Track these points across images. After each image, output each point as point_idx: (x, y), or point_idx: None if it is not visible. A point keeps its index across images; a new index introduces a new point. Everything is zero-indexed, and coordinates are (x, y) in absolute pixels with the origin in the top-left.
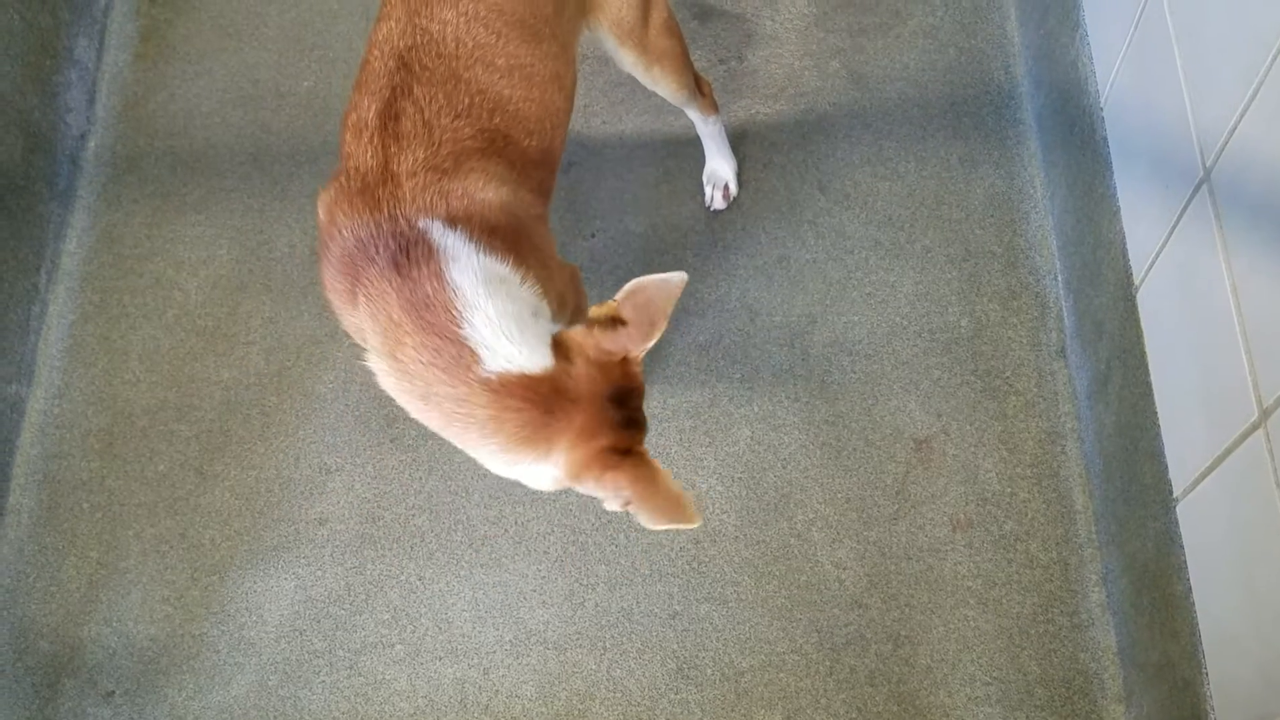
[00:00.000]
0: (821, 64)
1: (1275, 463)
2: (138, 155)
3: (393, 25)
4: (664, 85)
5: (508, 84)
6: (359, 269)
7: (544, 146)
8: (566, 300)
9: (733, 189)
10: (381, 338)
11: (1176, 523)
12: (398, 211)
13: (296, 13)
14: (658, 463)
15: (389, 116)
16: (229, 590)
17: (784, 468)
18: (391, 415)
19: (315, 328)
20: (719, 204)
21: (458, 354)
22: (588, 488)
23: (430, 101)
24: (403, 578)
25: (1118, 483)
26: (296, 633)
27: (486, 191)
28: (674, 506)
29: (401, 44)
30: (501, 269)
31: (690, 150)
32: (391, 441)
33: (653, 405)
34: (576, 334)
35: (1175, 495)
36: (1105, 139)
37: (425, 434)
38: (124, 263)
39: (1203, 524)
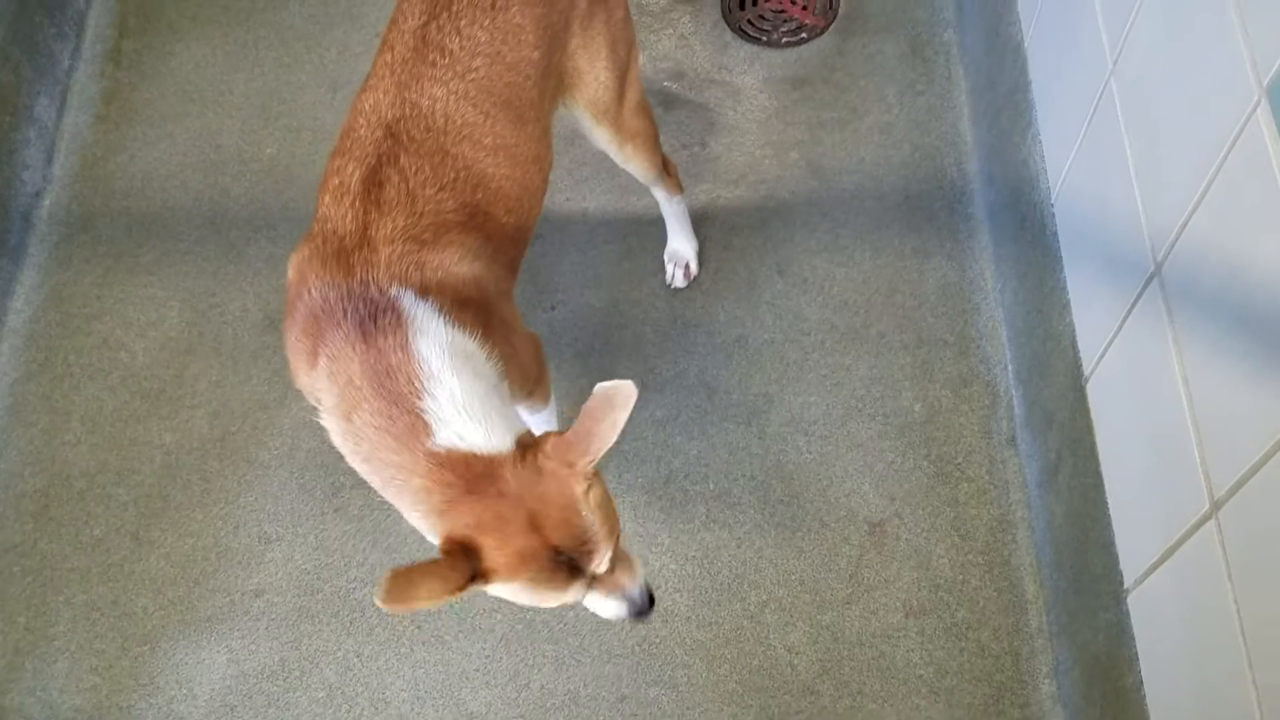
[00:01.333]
0: (781, 154)
1: (1227, 554)
2: (92, 215)
3: (380, 96)
4: (635, 163)
5: (493, 162)
6: (324, 330)
7: (520, 224)
8: (529, 374)
9: (694, 268)
10: (338, 399)
11: (1128, 614)
12: (370, 277)
13: (263, 82)
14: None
15: (373, 183)
16: (159, 661)
17: (738, 547)
18: (336, 484)
19: (263, 393)
20: (680, 282)
21: (411, 424)
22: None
23: (416, 172)
24: (340, 654)
25: (1068, 573)
26: (227, 708)
27: (462, 265)
28: None
29: (390, 115)
30: (469, 344)
31: (652, 229)
32: (335, 511)
33: (607, 480)
34: (539, 438)
35: (1126, 586)
36: (1056, 234)
37: (371, 505)
38: (71, 322)
39: (1154, 615)
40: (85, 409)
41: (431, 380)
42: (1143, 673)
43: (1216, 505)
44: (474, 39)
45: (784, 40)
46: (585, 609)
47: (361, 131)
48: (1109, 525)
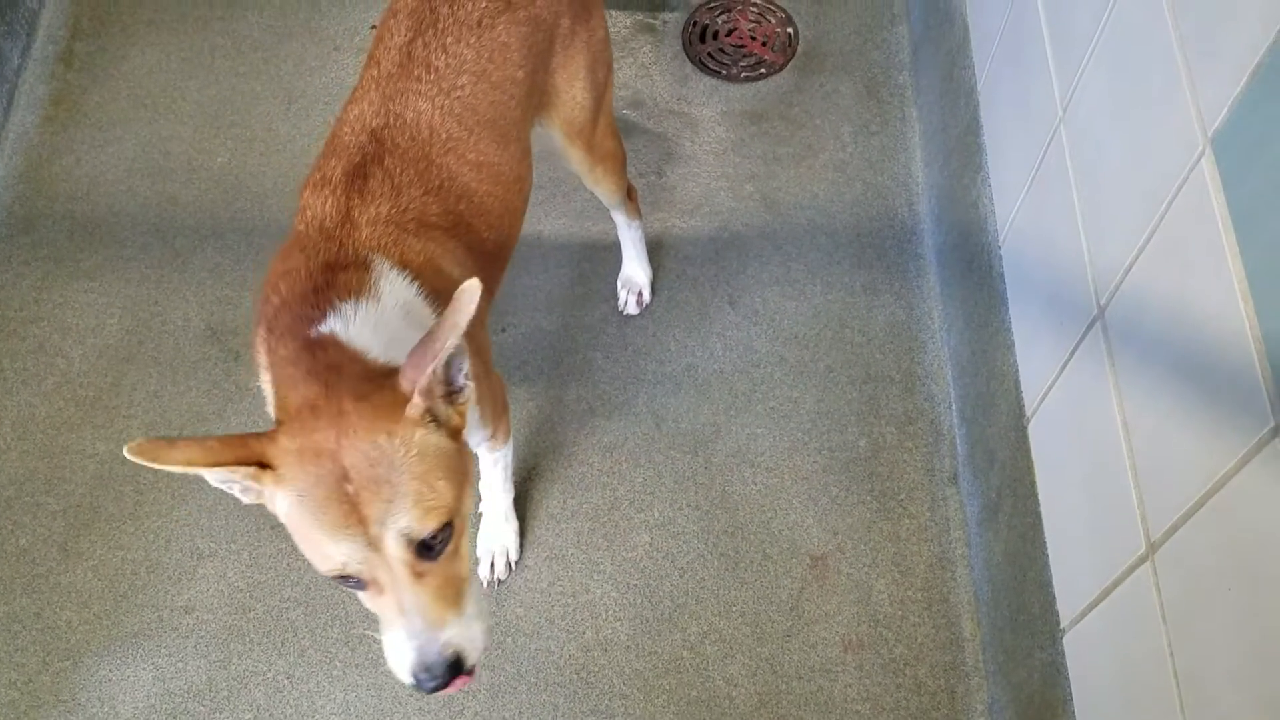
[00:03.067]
0: (736, 186)
1: (1161, 596)
2: (35, 217)
3: (365, 107)
4: (604, 184)
5: (475, 177)
6: (286, 290)
7: (501, 242)
8: (496, 405)
9: (646, 296)
10: (269, 322)
11: (1063, 654)
12: (350, 244)
13: (217, 90)
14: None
15: (357, 175)
16: (82, 678)
17: (680, 577)
18: None
19: (202, 405)
20: (632, 309)
21: (309, 313)
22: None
23: (401, 172)
24: (270, 675)
25: (1005, 611)
26: None
27: (444, 263)
28: None
29: (375, 122)
30: (429, 318)
31: (606, 255)
32: (272, 529)
33: (552, 505)
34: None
35: (1062, 626)
36: (1002, 275)
37: None
38: (6, 325)
39: (1089, 656)
40: (16, 415)
41: (367, 299)
42: (1076, 714)
43: (1153, 547)
44: (460, 56)
45: (743, 75)
46: (523, 637)
47: (346, 137)
48: (1047, 565)
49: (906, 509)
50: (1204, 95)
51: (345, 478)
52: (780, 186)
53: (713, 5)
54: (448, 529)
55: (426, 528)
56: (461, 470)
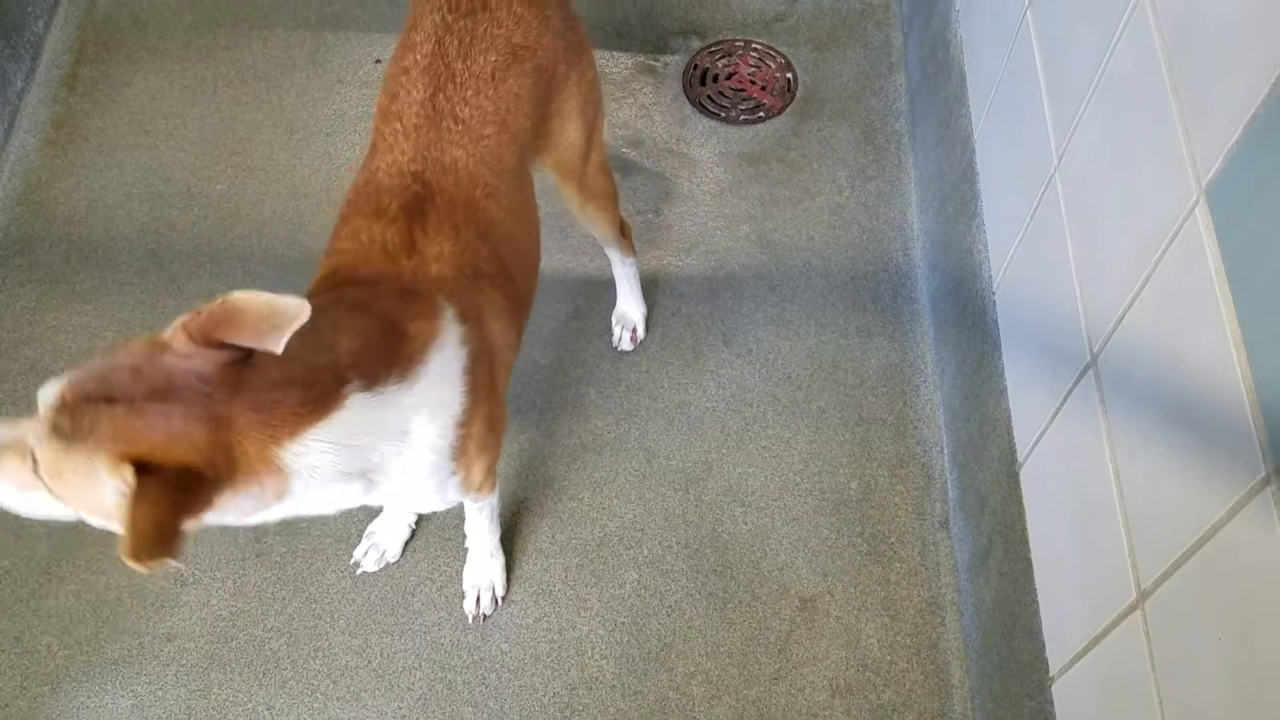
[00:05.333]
0: (733, 227)
1: (1151, 645)
2: (32, 239)
3: (398, 155)
4: (596, 222)
5: (512, 222)
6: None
7: (528, 287)
8: (477, 471)
9: (640, 332)
10: None
11: (1051, 702)
12: (418, 272)
13: (219, 119)
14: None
15: (415, 210)
16: (60, 704)
17: (668, 615)
18: (260, 529)
19: None
20: (626, 345)
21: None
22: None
23: (451, 212)
24: (250, 705)
25: (995, 658)
26: None
27: (488, 316)
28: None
29: (412, 167)
30: (454, 403)
31: (601, 292)
32: (257, 557)
33: (541, 540)
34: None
35: (1051, 674)
36: (996, 321)
37: (294, 551)
38: None
39: (1077, 705)
40: None
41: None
42: None
43: (1143, 595)
44: (481, 108)
45: (742, 118)
46: (507, 673)
47: (386, 180)
48: (1036, 612)
49: (897, 553)
50: (1198, 146)
51: None
52: (776, 228)
53: (713, 49)
54: None
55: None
56: None
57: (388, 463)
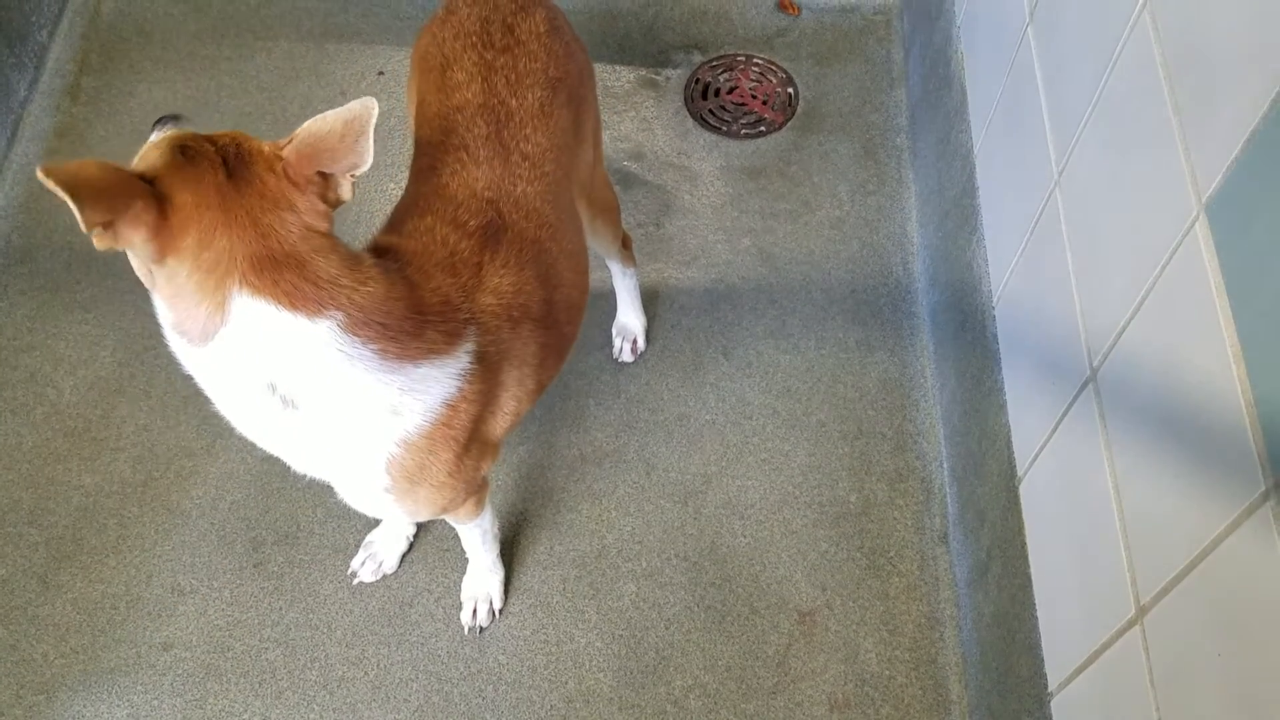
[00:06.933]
0: (733, 240)
1: (1150, 660)
2: (33, 247)
3: (470, 180)
4: (602, 234)
5: (568, 267)
6: None
7: (571, 333)
8: (460, 495)
9: (641, 344)
10: None
11: (1050, 718)
12: (462, 299)
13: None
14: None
15: (489, 237)
16: (55, 713)
17: (666, 628)
18: (258, 539)
19: (191, 441)
20: (627, 357)
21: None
22: None
23: (520, 249)
24: (246, 716)
25: (993, 674)
26: None
27: (509, 367)
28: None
29: (487, 194)
30: (436, 401)
31: (602, 304)
32: (255, 567)
33: (539, 552)
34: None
35: (1050, 689)
36: (996, 336)
37: (293, 562)
38: None
39: None
40: (3, 444)
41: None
42: None
43: (1142, 611)
44: (540, 145)
45: (743, 132)
46: (505, 685)
47: (462, 196)
48: (1035, 627)
49: (896, 567)
50: (1199, 161)
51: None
52: (777, 242)
53: (715, 63)
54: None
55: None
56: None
57: (302, 394)
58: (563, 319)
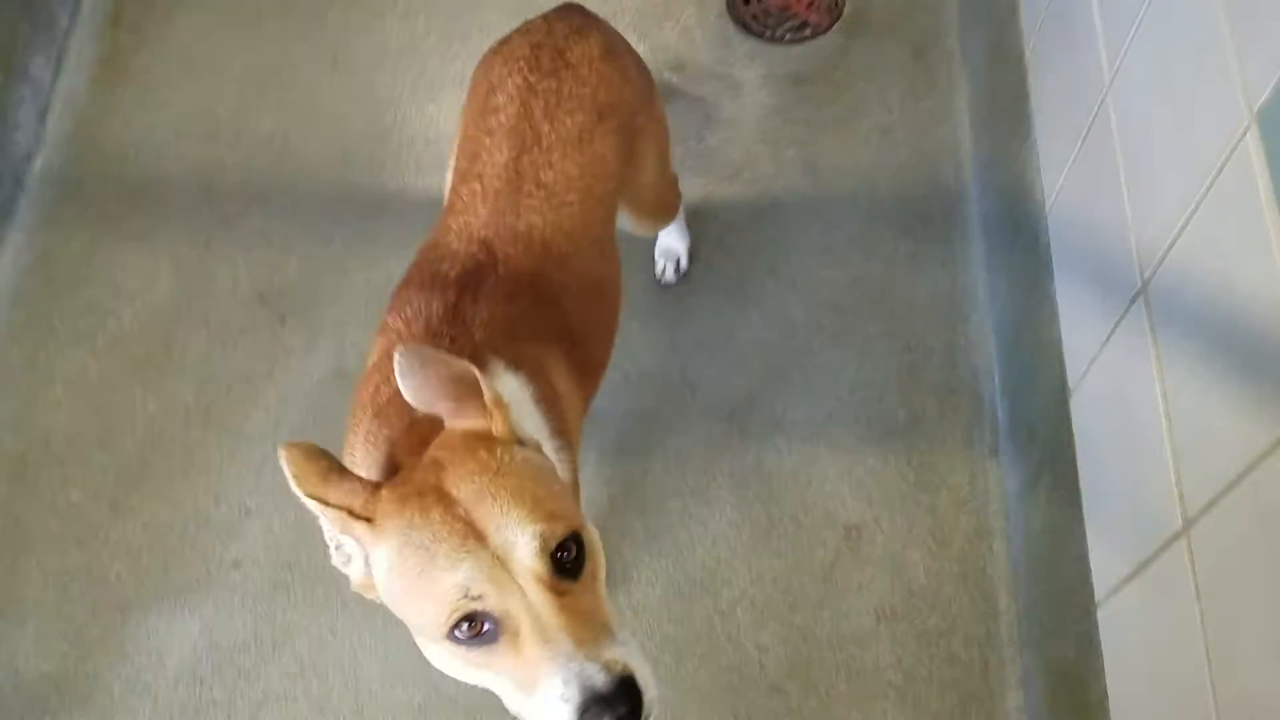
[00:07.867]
0: (778, 151)
1: (1195, 572)
2: (84, 179)
3: (471, 219)
4: (662, 226)
5: (587, 292)
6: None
7: (603, 358)
8: None
9: (684, 264)
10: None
11: (1097, 627)
12: (462, 341)
13: (263, 54)
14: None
15: (470, 279)
16: (130, 630)
17: (713, 544)
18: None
19: (250, 366)
20: (670, 278)
21: None
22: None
23: (510, 281)
24: (314, 630)
25: (1043, 584)
26: (197, 679)
27: (553, 374)
28: None
29: (483, 233)
30: (536, 416)
31: None
32: None
33: (585, 472)
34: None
35: (1097, 600)
36: (1048, 244)
37: None
38: (58, 285)
39: (1122, 630)
40: (68, 373)
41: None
42: (1108, 686)
43: (1189, 523)
44: (566, 174)
45: (787, 37)
46: None
47: (455, 244)
48: (1084, 539)
49: (945, 481)
50: (1250, 70)
51: (453, 504)
52: (823, 151)
53: None
54: (578, 545)
55: (555, 530)
56: (566, 486)
57: None
58: (589, 342)
